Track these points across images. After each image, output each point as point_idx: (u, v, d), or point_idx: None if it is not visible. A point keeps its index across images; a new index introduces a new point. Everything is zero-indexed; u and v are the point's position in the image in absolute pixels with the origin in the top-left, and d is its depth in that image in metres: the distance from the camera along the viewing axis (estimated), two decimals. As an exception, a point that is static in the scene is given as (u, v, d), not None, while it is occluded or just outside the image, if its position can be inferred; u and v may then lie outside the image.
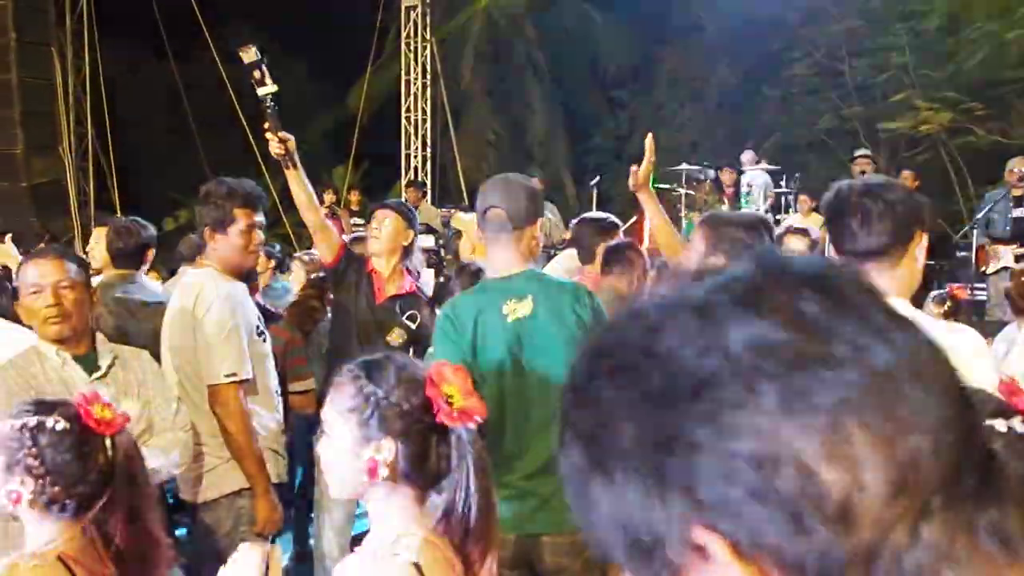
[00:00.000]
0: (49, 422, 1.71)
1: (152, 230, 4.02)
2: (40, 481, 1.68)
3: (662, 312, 0.52)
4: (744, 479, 0.46)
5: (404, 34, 11.97)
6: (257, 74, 3.20)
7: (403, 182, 11.92)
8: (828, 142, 13.89)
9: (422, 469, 1.50)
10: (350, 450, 1.49)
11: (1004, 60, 11.65)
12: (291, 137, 3.28)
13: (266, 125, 3.24)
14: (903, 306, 1.74)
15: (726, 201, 9.95)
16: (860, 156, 8.59)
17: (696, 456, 0.47)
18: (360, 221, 10.29)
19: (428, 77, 11.93)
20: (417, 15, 11.89)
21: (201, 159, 12.90)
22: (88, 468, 1.71)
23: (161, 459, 2.52)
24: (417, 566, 1.39)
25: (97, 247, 4.16)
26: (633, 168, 3.06)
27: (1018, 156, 7.68)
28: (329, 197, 9.91)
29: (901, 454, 0.45)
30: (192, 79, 13.90)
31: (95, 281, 3.86)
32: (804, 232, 4.75)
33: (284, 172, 3.36)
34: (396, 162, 13.35)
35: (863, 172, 8.64)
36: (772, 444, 0.46)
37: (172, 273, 6.06)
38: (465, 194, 12.59)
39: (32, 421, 1.72)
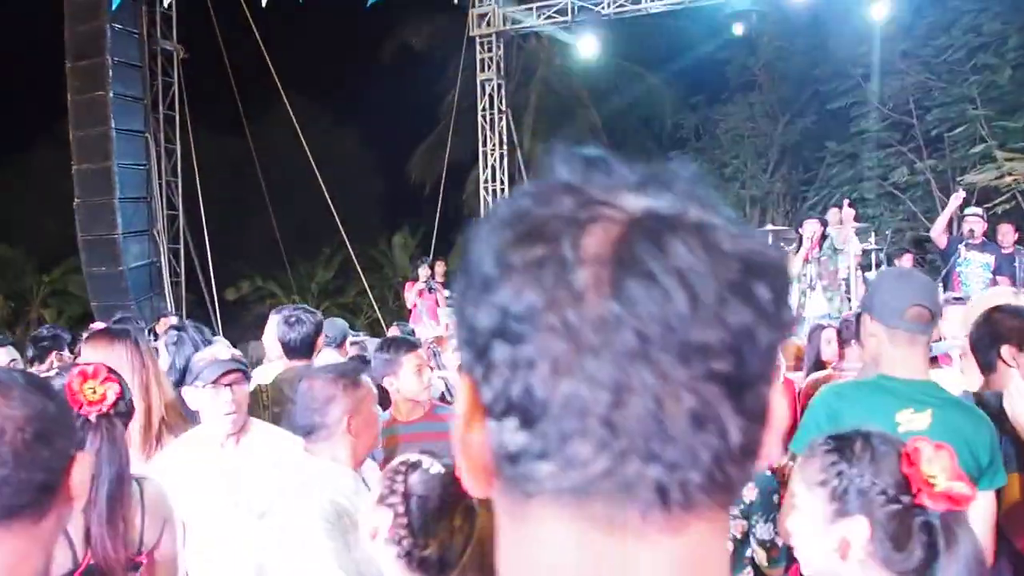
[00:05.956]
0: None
1: (319, 316, 3.77)
2: None
3: None
4: None
5: (480, 106, 12.18)
6: None
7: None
8: (898, 195, 13.88)
9: (900, 554, 1.38)
10: (820, 525, 1.42)
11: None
12: None
13: None
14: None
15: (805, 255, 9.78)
16: (970, 215, 8.51)
17: None
18: (448, 293, 10.29)
19: (505, 147, 12.10)
20: (492, 88, 12.11)
21: (274, 227, 12.98)
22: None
23: None
24: None
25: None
26: None
27: None
28: (424, 272, 9.87)
29: None
30: (264, 150, 14.07)
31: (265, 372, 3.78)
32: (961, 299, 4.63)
33: None
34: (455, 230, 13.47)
35: (971, 231, 8.57)
36: None
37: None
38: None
39: None
